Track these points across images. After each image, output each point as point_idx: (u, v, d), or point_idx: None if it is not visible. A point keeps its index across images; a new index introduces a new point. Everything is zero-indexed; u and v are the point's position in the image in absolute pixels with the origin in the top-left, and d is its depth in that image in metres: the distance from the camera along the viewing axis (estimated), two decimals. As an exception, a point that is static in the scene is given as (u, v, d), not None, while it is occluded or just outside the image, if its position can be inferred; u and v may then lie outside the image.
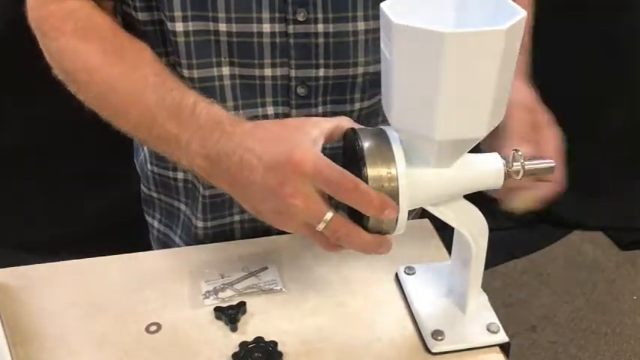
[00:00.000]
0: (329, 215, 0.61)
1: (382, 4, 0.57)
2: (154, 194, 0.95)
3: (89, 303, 0.76)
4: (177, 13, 0.75)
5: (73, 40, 0.75)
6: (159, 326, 0.73)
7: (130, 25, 0.79)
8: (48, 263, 0.81)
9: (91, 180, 1.05)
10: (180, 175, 0.89)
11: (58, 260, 0.82)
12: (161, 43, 0.79)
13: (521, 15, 0.55)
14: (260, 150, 0.63)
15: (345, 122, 0.66)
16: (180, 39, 0.76)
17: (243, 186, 0.64)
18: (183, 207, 0.92)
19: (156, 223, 0.98)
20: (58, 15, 0.76)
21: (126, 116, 0.73)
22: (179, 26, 0.76)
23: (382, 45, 0.59)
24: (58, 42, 0.76)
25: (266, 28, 0.77)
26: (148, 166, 0.92)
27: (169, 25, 0.76)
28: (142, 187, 0.97)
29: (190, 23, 0.76)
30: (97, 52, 0.74)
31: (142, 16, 0.78)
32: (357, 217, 0.63)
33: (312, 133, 0.63)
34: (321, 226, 0.61)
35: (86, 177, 1.18)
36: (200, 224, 0.89)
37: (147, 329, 0.73)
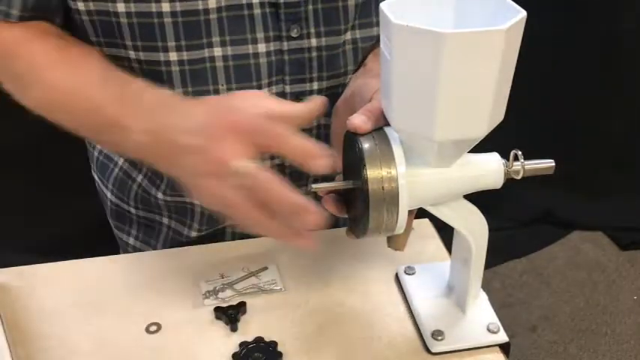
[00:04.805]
0: (251, 165, 0.59)
1: (382, 4, 0.57)
2: (132, 210, 0.93)
3: (89, 303, 0.76)
4: (171, 44, 0.74)
5: (16, 46, 0.73)
6: (159, 326, 0.73)
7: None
8: (48, 263, 0.81)
9: (92, 180, 1.05)
10: (159, 196, 0.89)
11: (58, 260, 0.82)
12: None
13: (521, 15, 0.55)
14: (200, 116, 0.62)
15: (299, 107, 0.65)
16: (175, 68, 0.76)
17: (179, 155, 0.63)
18: (166, 220, 0.91)
19: (131, 240, 0.96)
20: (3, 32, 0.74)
21: (69, 111, 0.72)
22: (172, 56, 0.75)
23: (382, 45, 0.59)
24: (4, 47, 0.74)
25: (261, 47, 0.77)
26: (131, 184, 0.91)
27: (162, 55, 0.75)
28: (116, 202, 0.95)
29: (185, 53, 0.75)
30: (39, 51, 0.73)
31: (107, 51, 0.77)
32: (355, 219, 0.63)
33: (252, 99, 0.63)
34: (244, 180, 0.59)
35: (86, 177, 1.18)
36: (194, 233, 0.89)
37: (147, 329, 0.73)
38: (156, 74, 0.76)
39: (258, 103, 0.63)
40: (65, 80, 0.72)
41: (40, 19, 0.75)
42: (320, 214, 0.61)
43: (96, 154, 0.96)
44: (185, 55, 0.75)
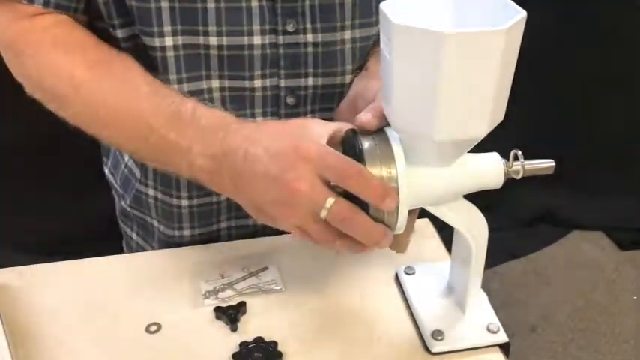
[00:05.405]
0: (331, 200, 0.61)
1: (382, 4, 0.57)
2: (128, 209, 0.94)
3: (89, 303, 0.76)
4: (167, 28, 0.74)
5: (54, 55, 0.73)
6: (159, 326, 0.73)
7: (106, 41, 0.77)
8: (48, 263, 0.81)
9: (91, 180, 1.05)
10: (150, 192, 0.89)
11: (58, 260, 0.82)
12: (140, 58, 0.76)
13: (521, 15, 0.55)
14: (265, 142, 0.63)
15: (347, 127, 0.66)
16: (170, 54, 0.76)
17: (246, 180, 0.64)
18: (155, 223, 0.91)
19: (134, 235, 0.97)
20: (34, 30, 0.73)
21: (117, 129, 0.72)
22: (168, 41, 0.75)
23: (382, 45, 0.59)
24: (37, 58, 0.73)
25: (257, 40, 0.77)
26: (135, 183, 0.91)
27: (157, 40, 0.75)
28: (119, 199, 0.96)
29: (180, 37, 0.75)
30: (81, 65, 0.72)
31: (120, 32, 0.77)
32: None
33: (316, 129, 0.64)
34: (323, 213, 0.61)
35: (86, 177, 1.18)
36: (186, 232, 0.89)
37: (147, 329, 0.73)
38: (150, 59, 0.76)
39: (322, 133, 0.64)
40: (113, 98, 0.71)
41: (64, 10, 0.74)
42: (391, 235, 0.64)
43: (112, 149, 0.96)
44: (180, 41, 0.75)
